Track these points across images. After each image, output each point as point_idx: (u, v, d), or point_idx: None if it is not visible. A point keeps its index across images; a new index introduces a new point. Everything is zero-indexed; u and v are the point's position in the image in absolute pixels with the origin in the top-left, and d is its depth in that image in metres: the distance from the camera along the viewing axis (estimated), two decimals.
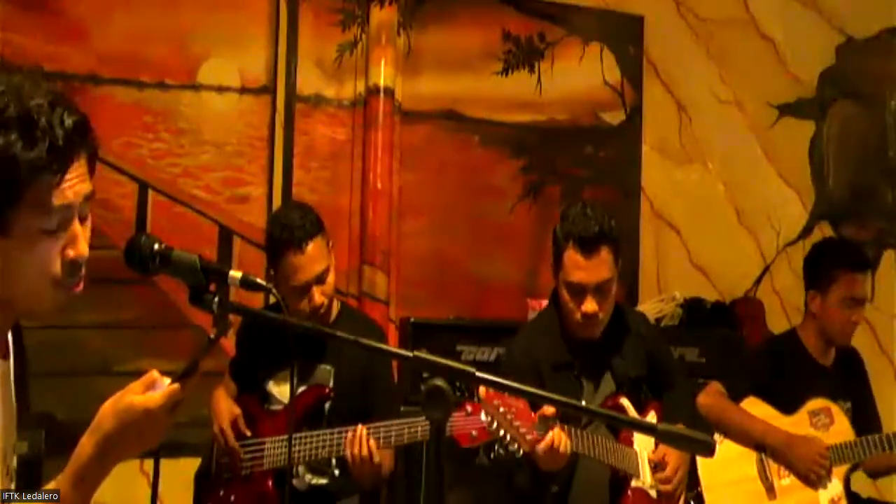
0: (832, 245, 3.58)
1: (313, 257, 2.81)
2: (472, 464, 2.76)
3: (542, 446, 2.42)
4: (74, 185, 1.36)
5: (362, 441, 2.68)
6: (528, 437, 2.39)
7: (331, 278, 2.88)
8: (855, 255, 3.42)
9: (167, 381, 1.41)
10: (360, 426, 2.70)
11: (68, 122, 1.33)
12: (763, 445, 3.23)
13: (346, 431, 2.72)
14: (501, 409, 2.36)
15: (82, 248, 1.39)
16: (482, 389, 2.31)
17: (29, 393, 1.54)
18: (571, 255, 2.71)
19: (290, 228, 2.80)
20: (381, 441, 2.70)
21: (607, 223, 2.72)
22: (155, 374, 1.43)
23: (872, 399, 3.53)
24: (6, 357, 1.50)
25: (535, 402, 2.38)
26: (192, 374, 1.42)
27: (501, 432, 2.35)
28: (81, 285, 1.42)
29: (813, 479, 3.19)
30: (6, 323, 1.47)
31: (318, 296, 2.83)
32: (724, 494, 3.15)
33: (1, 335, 1.48)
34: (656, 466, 2.76)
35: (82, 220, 1.41)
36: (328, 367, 2.91)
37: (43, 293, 1.38)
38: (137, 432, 1.39)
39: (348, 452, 2.69)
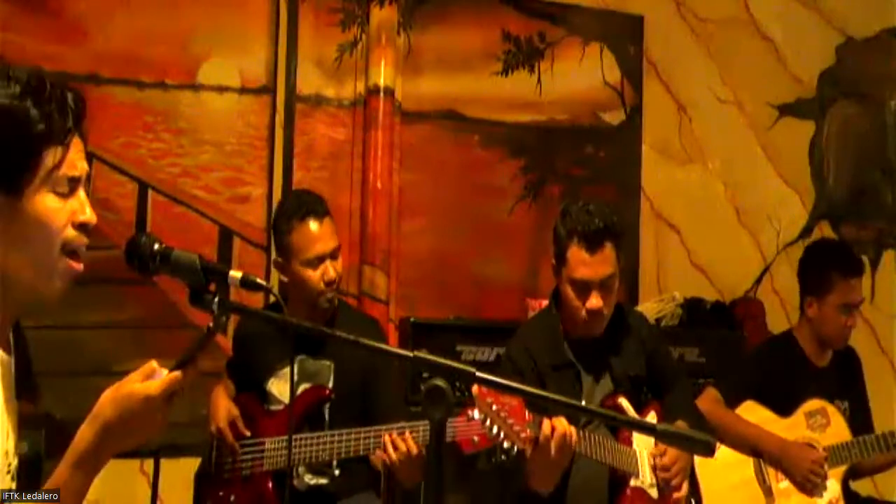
0: (828, 250, 3.52)
1: (329, 232, 2.86)
2: (473, 466, 2.74)
3: (543, 435, 2.40)
4: (79, 158, 1.42)
5: (399, 442, 2.59)
6: (522, 434, 2.37)
7: (342, 259, 2.93)
8: (851, 260, 3.40)
9: (165, 371, 1.43)
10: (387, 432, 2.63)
11: (71, 96, 1.41)
12: (759, 451, 3.23)
13: (349, 433, 2.69)
14: (495, 408, 2.33)
15: (91, 214, 1.43)
16: (475, 387, 2.30)
17: (36, 390, 1.55)
18: (576, 252, 2.70)
19: (308, 202, 2.87)
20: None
21: (610, 218, 2.71)
22: (154, 364, 1.44)
23: (867, 400, 3.53)
24: (10, 353, 1.50)
25: (531, 402, 2.37)
26: (190, 362, 1.43)
27: (495, 430, 2.34)
28: (81, 264, 1.44)
29: (809, 486, 3.18)
30: (9, 313, 1.47)
31: (332, 270, 2.84)
32: (722, 498, 3.14)
33: (4, 328, 1.48)
34: (657, 465, 2.75)
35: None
36: (328, 363, 2.89)
37: (51, 261, 1.39)
38: (137, 420, 1.40)
39: (388, 458, 2.60)
